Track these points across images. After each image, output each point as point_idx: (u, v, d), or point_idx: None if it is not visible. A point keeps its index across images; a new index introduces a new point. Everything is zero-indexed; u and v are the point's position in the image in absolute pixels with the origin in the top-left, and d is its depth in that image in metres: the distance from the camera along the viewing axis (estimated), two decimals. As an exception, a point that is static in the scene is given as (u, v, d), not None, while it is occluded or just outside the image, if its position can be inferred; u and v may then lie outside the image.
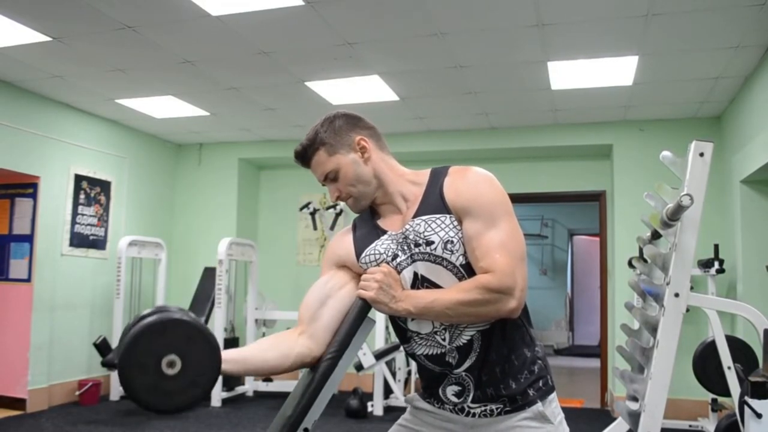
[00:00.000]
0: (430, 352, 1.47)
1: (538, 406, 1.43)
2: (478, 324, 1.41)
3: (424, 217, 1.43)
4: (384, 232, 1.50)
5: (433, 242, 1.40)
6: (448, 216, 1.41)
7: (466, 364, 1.43)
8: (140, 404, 1.29)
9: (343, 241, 1.57)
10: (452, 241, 1.40)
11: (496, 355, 1.43)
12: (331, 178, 1.50)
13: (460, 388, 1.46)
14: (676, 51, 4.22)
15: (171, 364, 1.27)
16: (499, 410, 1.43)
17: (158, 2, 3.63)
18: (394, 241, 1.47)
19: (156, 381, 1.27)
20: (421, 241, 1.42)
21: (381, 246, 1.48)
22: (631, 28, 3.86)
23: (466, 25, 3.88)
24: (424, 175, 1.51)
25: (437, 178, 1.47)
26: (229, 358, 1.36)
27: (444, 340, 1.44)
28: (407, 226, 1.45)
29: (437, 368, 1.48)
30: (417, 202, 1.47)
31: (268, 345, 1.46)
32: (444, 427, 1.51)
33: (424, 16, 3.75)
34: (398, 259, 1.45)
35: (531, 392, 1.44)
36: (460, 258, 1.40)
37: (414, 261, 1.43)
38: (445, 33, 3.99)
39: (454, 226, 1.40)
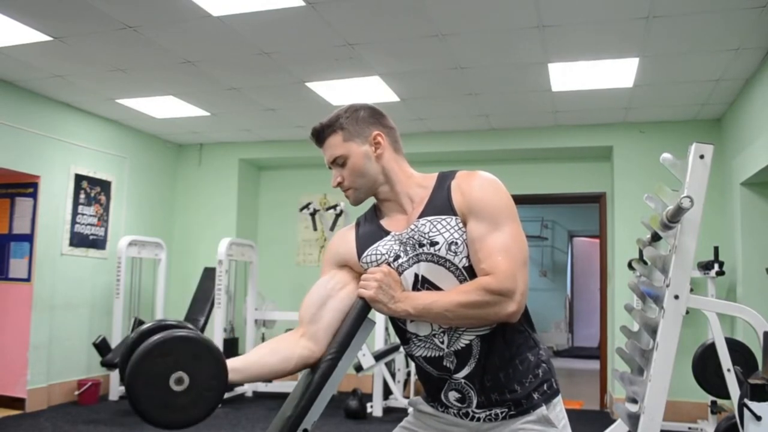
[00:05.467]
0: (428, 354, 1.46)
1: (543, 410, 1.42)
2: (477, 328, 1.41)
3: (429, 218, 1.43)
4: (387, 232, 1.50)
5: (437, 243, 1.41)
6: (453, 218, 1.41)
7: (465, 371, 1.43)
8: (151, 422, 1.28)
9: (346, 240, 1.57)
10: (456, 243, 1.40)
11: (499, 360, 1.42)
12: (339, 164, 1.51)
13: (460, 395, 1.46)
14: (677, 53, 4.22)
15: (179, 381, 1.27)
16: (503, 414, 1.43)
17: (159, 2, 3.63)
18: (398, 242, 1.47)
19: (165, 398, 1.26)
20: (425, 242, 1.42)
21: (383, 247, 1.48)
22: (631, 30, 3.86)
23: (467, 27, 3.88)
24: (431, 178, 1.52)
25: (444, 180, 1.48)
26: (231, 367, 1.35)
27: (442, 343, 1.43)
28: (412, 227, 1.45)
29: (435, 372, 1.47)
30: (423, 203, 1.47)
31: (268, 350, 1.44)
32: (447, 430, 1.51)
33: (424, 18, 3.75)
34: (400, 260, 1.45)
35: (536, 396, 1.43)
36: (464, 260, 1.40)
37: (417, 262, 1.43)
38: (446, 34, 3.99)
39: (459, 228, 1.40)
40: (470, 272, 1.39)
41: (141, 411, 1.27)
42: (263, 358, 1.42)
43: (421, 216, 1.45)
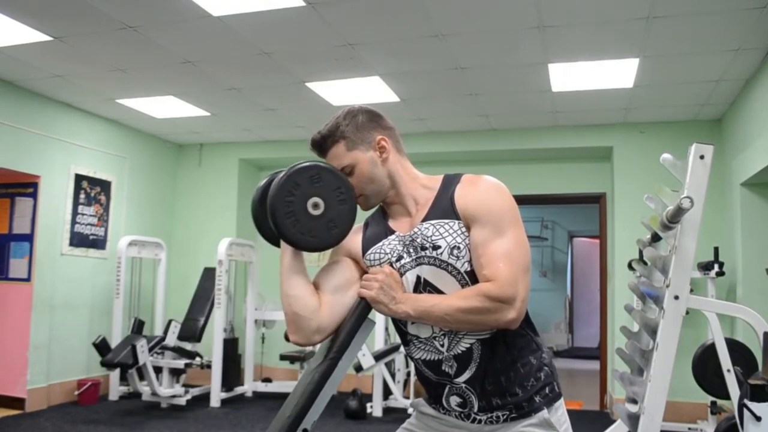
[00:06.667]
0: (427, 357, 1.46)
1: (544, 413, 1.42)
2: (477, 333, 1.40)
3: (432, 221, 1.43)
4: (392, 232, 1.50)
5: (439, 247, 1.40)
6: (456, 222, 1.41)
7: (465, 376, 1.43)
8: (283, 237, 1.42)
9: (354, 238, 1.56)
10: (459, 247, 1.39)
11: (500, 363, 1.42)
12: (346, 173, 1.49)
13: (461, 399, 1.45)
14: (677, 53, 4.22)
15: (315, 206, 1.41)
16: (505, 417, 1.43)
17: (159, 2, 3.63)
18: (401, 243, 1.47)
19: (300, 218, 1.41)
20: (427, 245, 1.41)
21: (387, 246, 1.49)
22: (632, 30, 3.86)
23: (467, 27, 3.88)
24: (436, 180, 1.51)
25: (449, 184, 1.47)
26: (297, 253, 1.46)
27: (442, 346, 1.43)
28: (415, 229, 1.45)
29: (434, 377, 1.47)
30: (427, 206, 1.47)
31: (312, 292, 1.45)
32: None
33: (424, 18, 3.75)
34: (402, 261, 1.45)
35: (537, 399, 1.43)
36: (466, 264, 1.39)
37: (419, 264, 1.43)
38: (446, 34, 3.99)
39: (462, 232, 1.40)
40: (472, 276, 1.39)
41: (278, 225, 1.41)
42: (309, 286, 1.45)
43: (424, 219, 1.45)
